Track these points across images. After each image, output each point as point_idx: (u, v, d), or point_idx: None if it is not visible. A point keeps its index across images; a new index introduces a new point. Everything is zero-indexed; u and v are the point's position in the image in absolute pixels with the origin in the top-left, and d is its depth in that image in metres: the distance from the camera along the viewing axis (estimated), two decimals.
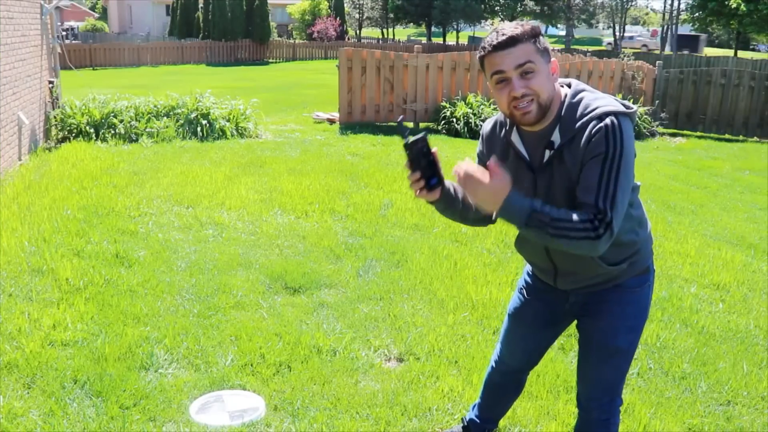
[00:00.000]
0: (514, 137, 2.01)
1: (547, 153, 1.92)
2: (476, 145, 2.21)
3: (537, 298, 2.27)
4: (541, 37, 1.87)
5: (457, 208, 2.04)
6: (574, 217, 1.81)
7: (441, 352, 3.45)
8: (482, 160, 2.14)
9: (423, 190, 1.88)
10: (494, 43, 1.84)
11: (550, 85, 1.88)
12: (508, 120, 2.02)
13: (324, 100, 14.62)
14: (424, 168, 1.88)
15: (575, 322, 2.26)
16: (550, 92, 1.87)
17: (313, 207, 5.94)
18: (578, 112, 1.88)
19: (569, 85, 1.97)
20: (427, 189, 1.88)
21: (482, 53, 1.88)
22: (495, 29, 1.88)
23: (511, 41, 1.82)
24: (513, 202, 1.81)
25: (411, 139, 1.86)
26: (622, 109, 1.86)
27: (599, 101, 1.88)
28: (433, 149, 1.89)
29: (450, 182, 2.01)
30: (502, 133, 2.06)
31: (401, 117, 1.93)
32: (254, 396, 3.02)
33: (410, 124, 11.05)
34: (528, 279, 2.32)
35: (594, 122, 1.84)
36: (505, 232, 5.16)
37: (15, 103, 7.24)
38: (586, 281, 2.09)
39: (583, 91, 1.93)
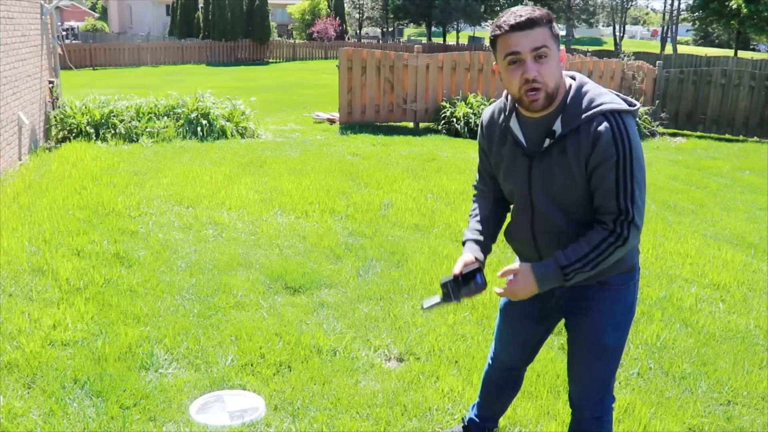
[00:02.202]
0: (513, 123, 2.03)
1: (547, 141, 1.94)
2: (476, 145, 2.23)
3: None
4: (554, 24, 1.89)
5: (493, 242, 2.25)
6: (594, 241, 1.91)
7: (441, 352, 3.45)
8: (482, 147, 2.18)
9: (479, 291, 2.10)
10: (512, 23, 1.83)
11: (559, 73, 1.90)
12: (507, 106, 2.05)
13: (324, 100, 14.63)
14: (470, 290, 2.08)
15: (564, 321, 2.28)
16: (557, 80, 1.90)
17: (313, 207, 5.94)
18: (583, 105, 1.90)
19: (573, 78, 1.99)
20: (483, 282, 2.09)
21: (498, 32, 1.87)
22: (511, 11, 1.87)
23: (530, 23, 1.83)
24: (543, 276, 1.97)
25: (457, 299, 2.09)
26: (625, 106, 1.90)
27: (604, 97, 1.91)
28: (453, 275, 2.08)
29: (473, 242, 2.19)
30: (500, 119, 2.08)
31: (430, 306, 2.14)
32: (254, 396, 3.02)
33: (410, 124, 11.06)
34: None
35: (599, 118, 1.87)
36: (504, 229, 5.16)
37: (15, 103, 7.24)
38: None
39: (587, 84, 1.96)
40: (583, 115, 1.88)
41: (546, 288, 1.98)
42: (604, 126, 1.85)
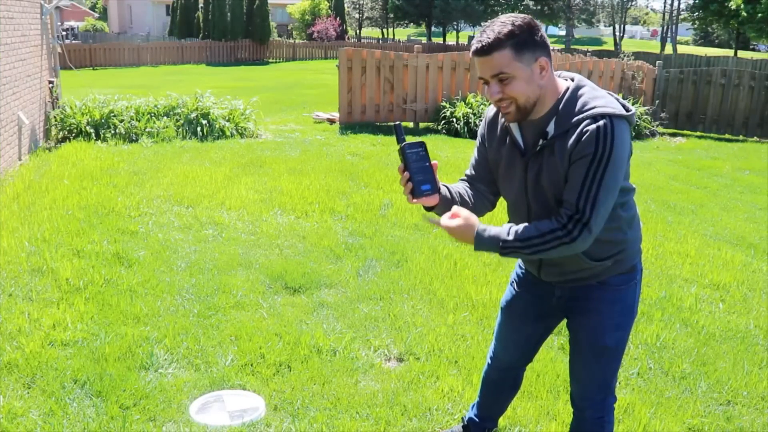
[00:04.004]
0: (513, 125, 2.04)
1: (541, 142, 1.96)
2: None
3: (527, 290, 2.30)
4: (523, 36, 1.83)
5: (450, 196, 2.09)
6: (543, 228, 1.90)
7: (441, 352, 3.45)
8: (482, 141, 2.18)
9: (411, 195, 1.90)
10: (473, 48, 1.89)
11: (532, 88, 1.88)
12: None
13: (324, 100, 14.63)
14: (416, 172, 1.89)
15: (566, 321, 2.28)
16: (530, 95, 1.89)
17: (313, 207, 5.94)
18: (576, 108, 1.90)
19: (573, 80, 1.99)
20: (416, 194, 1.90)
21: (470, 53, 1.94)
22: (483, 28, 1.91)
23: (487, 49, 1.85)
24: (482, 236, 1.92)
25: (406, 143, 1.89)
26: (619, 111, 1.87)
27: (598, 100, 1.89)
28: (434, 162, 1.92)
29: (446, 187, 2.06)
30: (502, 119, 2.09)
31: (399, 122, 1.95)
32: (254, 396, 3.02)
33: (410, 124, 11.07)
34: (519, 271, 2.35)
35: (588, 121, 1.86)
36: None
37: (15, 103, 7.24)
38: (570, 275, 2.11)
39: (584, 87, 1.95)
40: (575, 118, 1.88)
41: (480, 250, 1.95)
42: (591, 126, 1.84)
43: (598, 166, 1.83)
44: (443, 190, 2.02)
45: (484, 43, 1.85)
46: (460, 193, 2.11)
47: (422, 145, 1.91)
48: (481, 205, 2.16)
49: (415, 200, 1.91)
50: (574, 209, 1.87)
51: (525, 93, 1.88)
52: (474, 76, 11.05)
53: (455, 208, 1.95)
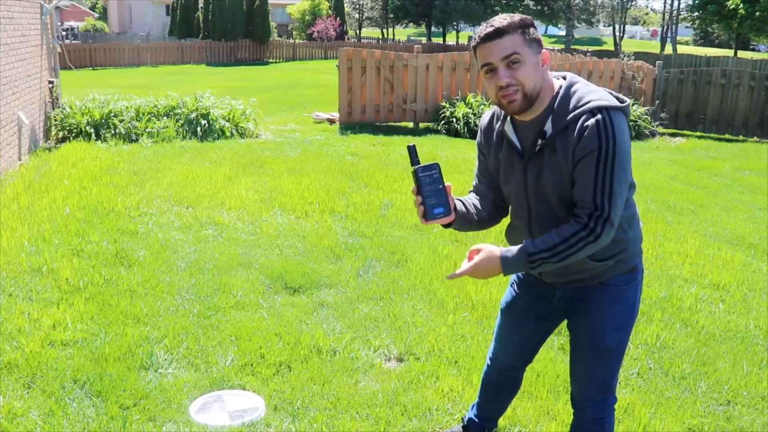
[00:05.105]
0: (507, 127, 2.05)
1: (539, 142, 1.96)
2: (475, 145, 2.24)
3: (527, 291, 2.30)
4: (530, 28, 1.91)
5: (473, 223, 2.14)
6: (565, 233, 1.90)
7: (441, 352, 3.45)
8: (481, 149, 2.20)
9: (423, 218, 1.94)
10: (482, 35, 1.90)
11: (538, 76, 1.91)
12: (502, 111, 2.07)
13: (324, 100, 14.63)
14: (429, 196, 1.93)
15: (566, 322, 2.28)
16: (536, 82, 1.91)
17: (313, 207, 5.94)
18: (571, 104, 1.91)
19: (565, 78, 2.00)
20: (428, 218, 1.93)
21: (473, 44, 1.95)
22: (486, 21, 1.94)
23: (498, 33, 1.87)
24: (508, 258, 1.94)
25: (420, 165, 1.92)
26: (614, 102, 1.89)
27: (592, 94, 1.91)
28: (447, 184, 1.95)
29: (461, 202, 2.10)
30: (497, 124, 2.10)
31: (413, 144, 1.98)
32: (254, 396, 3.02)
33: (410, 124, 11.07)
34: (520, 273, 2.34)
35: (586, 116, 1.87)
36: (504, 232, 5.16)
37: (15, 103, 7.24)
38: (572, 275, 2.11)
39: (577, 83, 1.96)
40: (571, 114, 1.89)
41: (510, 273, 1.96)
42: (590, 121, 1.86)
43: (606, 161, 1.84)
44: (458, 205, 2.06)
45: (495, 27, 1.87)
46: (475, 205, 2.15)
47: (436, 167, 1.93)
48: (495, 213, 2.20)
49: (428, 222, 1.94)
50: (593, 207, 1.87)
51: (533, 79, 1.89)
52: (474, 76, 11.06)
53: (471, 248, 1.99)
